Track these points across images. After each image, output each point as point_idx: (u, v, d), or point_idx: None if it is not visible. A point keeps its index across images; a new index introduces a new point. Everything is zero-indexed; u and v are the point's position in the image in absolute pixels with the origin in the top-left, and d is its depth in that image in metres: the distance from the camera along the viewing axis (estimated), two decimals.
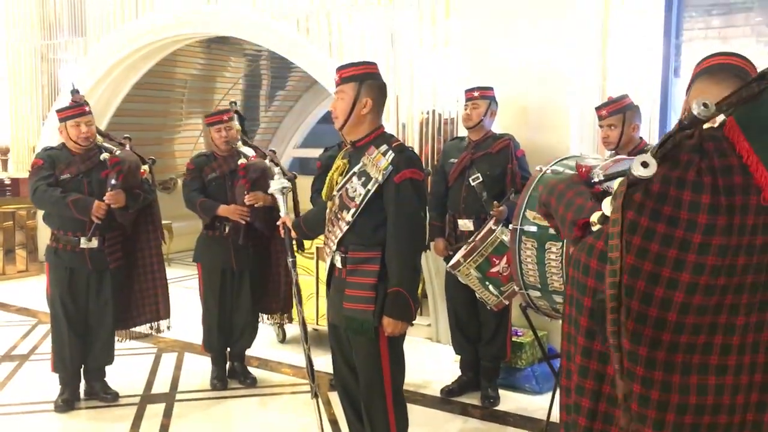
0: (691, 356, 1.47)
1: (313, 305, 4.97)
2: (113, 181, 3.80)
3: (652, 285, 1.45)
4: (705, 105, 1.44)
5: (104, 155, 3.90)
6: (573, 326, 1.61)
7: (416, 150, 4.97)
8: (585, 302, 1.57)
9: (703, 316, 1.45)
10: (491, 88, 4.16)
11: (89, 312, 3.99)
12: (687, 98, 1.82)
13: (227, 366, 4.48)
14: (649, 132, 4.40)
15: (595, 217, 1.67)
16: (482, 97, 4.12)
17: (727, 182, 1.45)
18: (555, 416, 3.49)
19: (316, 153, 8.20)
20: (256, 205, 4.13)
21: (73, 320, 3.95)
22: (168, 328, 4.30)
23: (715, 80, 1.79)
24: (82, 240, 3.85)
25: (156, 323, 4.24)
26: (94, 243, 3.87)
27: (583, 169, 2.04)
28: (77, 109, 3.89)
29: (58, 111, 3.97)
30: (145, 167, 4.10)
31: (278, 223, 3.30)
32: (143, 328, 4.25)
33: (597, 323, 1.48)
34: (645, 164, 1.42)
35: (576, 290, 1.60)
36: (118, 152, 3.93)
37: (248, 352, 4.55)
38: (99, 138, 4.05)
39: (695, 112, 1.44)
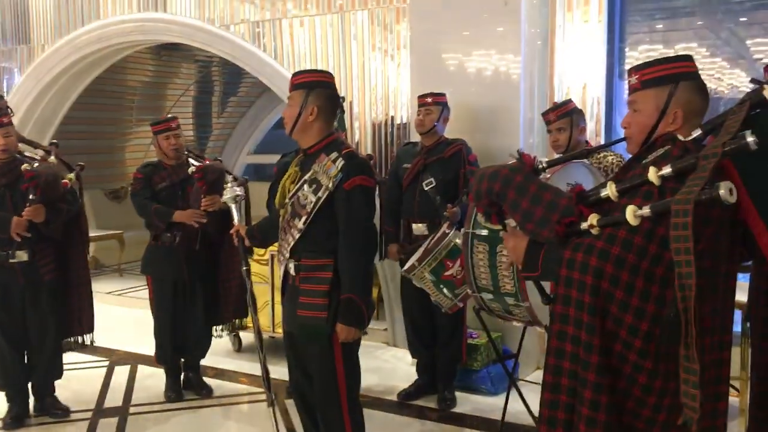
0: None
1: (269, 313, 4.94)
2: (31, 196, 3.68)
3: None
4: None
5: (24, 166, 3.76)
6: (572, 325, 1.72)
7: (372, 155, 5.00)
8: (590, 301, 1.69)
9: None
10: (444, 94, 4.21)
11: (29, 327, 3.88)
12: (670, 104, 1.81)
13: (182, 377, 4.42)
14: (595, 135, 4.50)
15: (593, 220, 1.73)
16: (435, 103, 4.16)
17: (720, 214, 1.66)
18: (510, 416, 3.54)
19: (270, 159, 8.17)
20: (210, 210, 4.06)
21: (11, 337, 3.85)
22: (91, 342, 4.19)
23: (703, 93, 1.84)
24: (9, 254, 3.73)
25: (80, 338, 4.12)
26: (25, 256, 3.75)
27: (530, 158, 2.08)
28: None
29: None
30: (71, 176, 3.97)
31: (231, 231, 3.28)
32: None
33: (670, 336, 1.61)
34: (731, 191, 1.53)
35: (579, 291, 1.70)
36: (35, 165, 3.80)
37: (204, 362, 4.50)
38: (22, 146, 3.94)
39: (749, 141, 1.59)
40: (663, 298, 1.63)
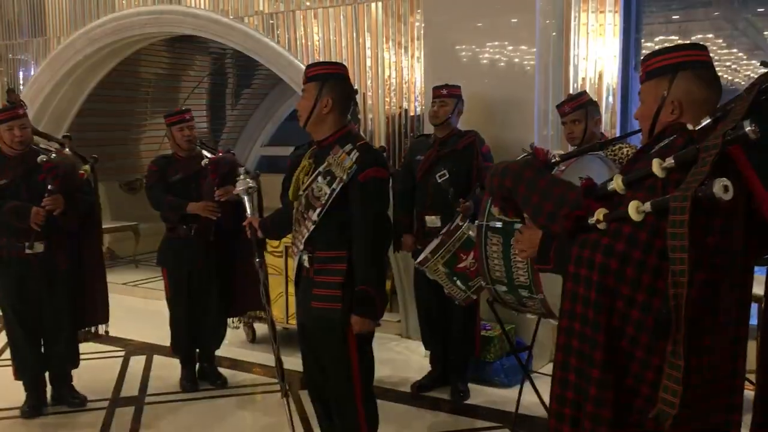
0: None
1: (283, 304, 4.96)
2: (50, 187, 3.71)
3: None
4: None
5: (41, 157, 3.78)
6: (578, 322, 1.70)
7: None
8: (596, 298, 1.67)
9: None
10: (459, 87, 4.20)
11: (45, 317, 3.92)
12: (667, 92, 1.79)
13: (197, 367, 4.45)
14: (610, 127, 4.47)
15: (600, 215, 1.71)
16: (450, 95, 4.15)
17: (730, 204, 1.58)
18: (523, 408, 3.54)
19: (283, 151, 8.17)
20: (223, 200, 4.07)
21: (27, 327, 3.89)
22: (106, 332, 4.24)
23: (705, 82, 1.79)
24: (27, 245, 3.76)
25: (94, 327, 4.17)
26: (41, 247, 3.78)
27: (542, 152, 2.08)
28: (9, 112, 3.78)
29: None
30: (86, 168, 4.02)
31: (244, 223, 3.29)
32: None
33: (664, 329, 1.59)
34: (726, 188, 1.49)
35: (585, 288, 1.68)
36: (52, 156, 3.84)
37: (219, 352, 4.53)
38: (36, 138, 3.97)
39: (747, 130, 1.54)
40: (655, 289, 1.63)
